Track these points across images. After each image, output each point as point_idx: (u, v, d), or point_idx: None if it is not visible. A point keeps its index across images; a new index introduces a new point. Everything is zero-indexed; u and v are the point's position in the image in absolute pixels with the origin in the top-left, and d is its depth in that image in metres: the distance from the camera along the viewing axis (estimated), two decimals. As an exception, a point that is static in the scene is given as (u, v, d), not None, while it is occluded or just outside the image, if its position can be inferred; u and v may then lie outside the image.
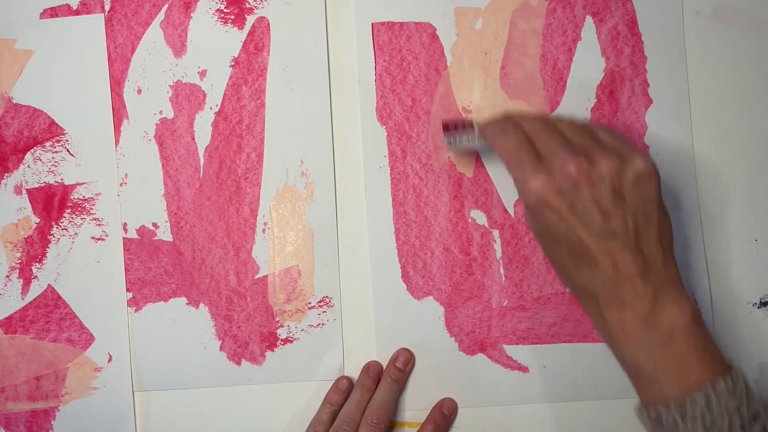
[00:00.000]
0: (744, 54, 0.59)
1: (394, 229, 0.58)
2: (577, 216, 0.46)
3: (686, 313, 0.45)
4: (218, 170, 0.59)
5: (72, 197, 0.59)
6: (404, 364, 0.58)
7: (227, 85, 0.59)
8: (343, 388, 0.57)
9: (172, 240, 0.59)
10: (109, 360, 0.58)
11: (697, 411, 0.43)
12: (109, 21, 0.59)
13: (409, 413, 0.58)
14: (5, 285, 0.59)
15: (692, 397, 0.43)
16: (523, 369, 0.58)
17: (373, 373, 0.57)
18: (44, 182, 0.59)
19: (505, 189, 0.58)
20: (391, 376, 0.57)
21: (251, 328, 0.58)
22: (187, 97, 0.59)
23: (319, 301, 0.59)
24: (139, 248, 0.59)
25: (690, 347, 0.45)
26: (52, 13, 0.59)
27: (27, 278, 0.59)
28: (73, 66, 0.59)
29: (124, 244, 0.59)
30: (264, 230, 0.59)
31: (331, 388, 0.58)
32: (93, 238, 0.59)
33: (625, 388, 0.58)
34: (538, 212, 0.47)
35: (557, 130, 0.49)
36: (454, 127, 0.55)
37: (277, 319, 0.58)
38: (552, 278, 0.58)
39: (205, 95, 0.59)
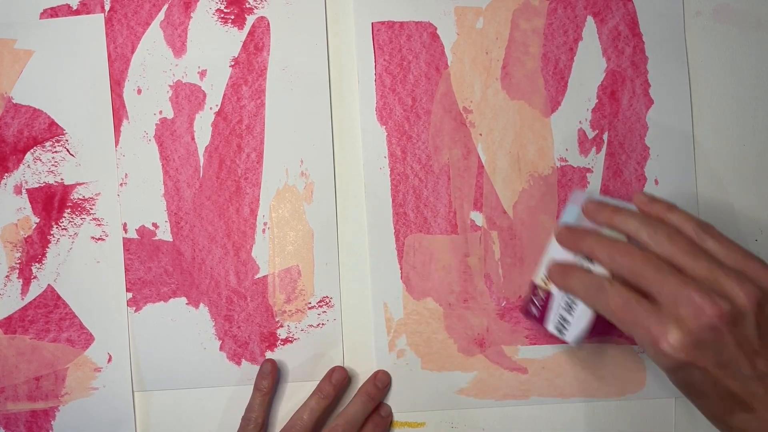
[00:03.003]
0: (744, 54, 0.59)
1: (393, 230, 0.58)
2: (724, 368, 0.41)
3: None
4: (218, 170, 0.59)
5: (72, 197, 0.59)
6: (384, 385, 0.58)
7: (227, 85, 0.59)
8: (267, 372, 0.57)
9: (172, 240, 0.59)
10: (109, 360, 0.58)
11: None
12: (109, 21, 0.59)
13: (409, 413, 0.58)
14: (5, 285, 0.59)
15: None
16: (522, 370, 0.58)
17: (336, 380, 0.57)
18: (44, 182, 0.59)
19: (505, 190, 0.58)
20: (369, 394, 0.57)
21: (251, 328, 0.58)
22: (187, 97, 0.59)
23: (319, 301, 0.59)
24: (139, 248, 0.59)
25: None
26: (52, 13, 0.59)
27: (27, 278, 0.59)
28: (73, 66, 0.59)
29: (124, 244, 0.59)
30: (264, 230, 0.59)
31: (258, 374, 0.57)
32: (93, 238, 0.59)
33: (625, 389, 0.58)
34: (680, 372, 0.42)
35: (656, 258, 0.43)
36: (543, 307, 0.51)
37: (277, 319, 0.58)
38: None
39: (205, 95, 0.59)
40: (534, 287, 0.52)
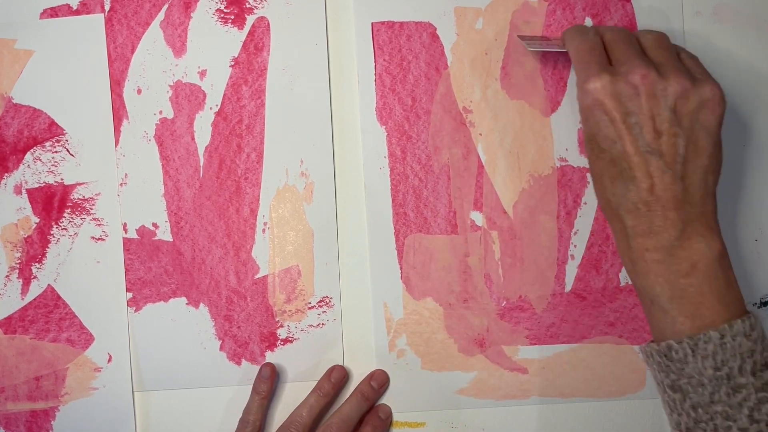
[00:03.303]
0: (744, 54, 0.59)
1: (393, 230, 0.58)
2: (629, 126, 0.45)
3: (712, 250, 0.44)
4: (218, 170, 0.59)
5: (72, 197, 0.59)
6: (379, 385, 0.58)
7: (227, 85, 0.59)
8: (266, 376, 0.57)
9: (172, 240, 0.59)
10: (109, 360, 0.58)
11: (710, 348, 0.42)
12: (109, 21, 0.59)
13: (409, 413, 0.58)
14: (5, 285, 0.59)
15: (706, 333, 0.42)
16: (522, 370, 0.58)
17: (335, 378, 0.57)
18: (44, 182, 0.59)
19: (505, 190, 0.58)
20: (364, 393, 0.57)
21: (251, 328, 0.58)
22: (187, 97, 0.59)
23: (319, 301, 0.59)
24: (139, 248, 0.59)
25: (710, 284, 0.44)
26: (52, 13, 0.59)
27: (27, 278, 0.59)
28: (73, 66, 0.59)
29: (124, 244, 0.59)
30: (264, 230, 0.59)
31: (257, 377, 0.57)
32: (93, 238, 0.59)
33: (625, 389, 0.58)
34: (592, 114, 0.46)
35: (637, 42, 0.48)
36: (530, 38, 0.56)
37: (277, 319, 0.58)
38: (550, 279, 0.58)
39: (205, 95, 0.59)
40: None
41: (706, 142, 0.45)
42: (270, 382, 0.57)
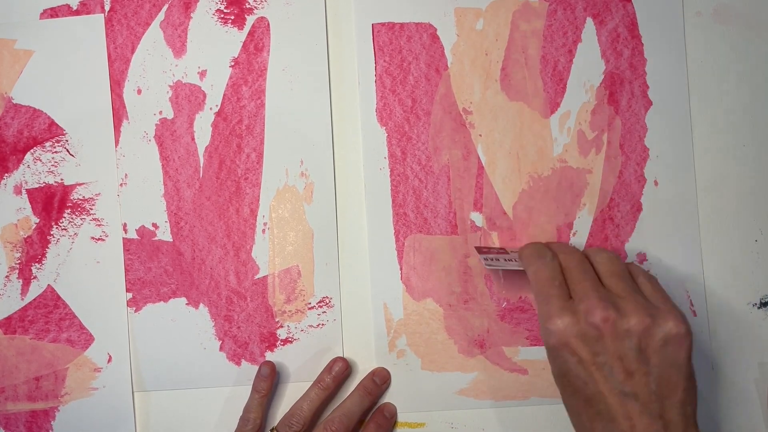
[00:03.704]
0: (744, 54, 0.59)
1: (393, 231, 0.58)
2: (598, 367, 0.45)
3: None
4: (218, 170, 0.59)
5: (72, 197, 0.59)
6: (382, 381, 0.58)
7: (227, 85, 0.59)
8: (266, 375, 0.57)
9: (171, 240, 0.59)
10: (109, 360, 0.58)
11: None
12: (109, 21, 0.59)
13: (409, 414, 0.59)
14: (5, 285, 0.59)
15: None
16: (523, 371, 0.58)
17: (336, 372, 0.57)
18: (44, 182, 0.59)
19: (505, 191, 0.58)
20: (366, 389, 0.57)
21: (251, 328, 0.58)
22: (187, 97, 0.59)
23: (319, 302, 0.59)
24: (139, 248, 0.59)
25: None
26: (52, 13, 0.59)
27: (26, 278, 0.59)
28: (73, 66, 0.59)
29: (124, 244, 0.59)
30: (264, 230, 0.59)
31: (256, 375, 0.57)
32: (93, 238, 0.59)
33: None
34: (559, 354, 0.46)
35: (592, 271, 0.48)
36: (487, 251, 0.56)
37: (277, 320, 0.58)
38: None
39: (204, 95, 0.59)
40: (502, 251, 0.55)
41: (678, 377, 0.45)
42: (270, 380, 0.57)
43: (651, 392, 0.44)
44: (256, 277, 0.59)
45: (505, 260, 0.55)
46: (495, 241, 0.58)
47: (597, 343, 0.45)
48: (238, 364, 0.58)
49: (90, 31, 0.59)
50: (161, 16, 0.59)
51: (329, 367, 0.57)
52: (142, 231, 0.59)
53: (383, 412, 0.58)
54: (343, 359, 0.58)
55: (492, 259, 0.55)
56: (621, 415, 0.44)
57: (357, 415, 0.56)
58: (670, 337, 0.45)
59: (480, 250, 0.56)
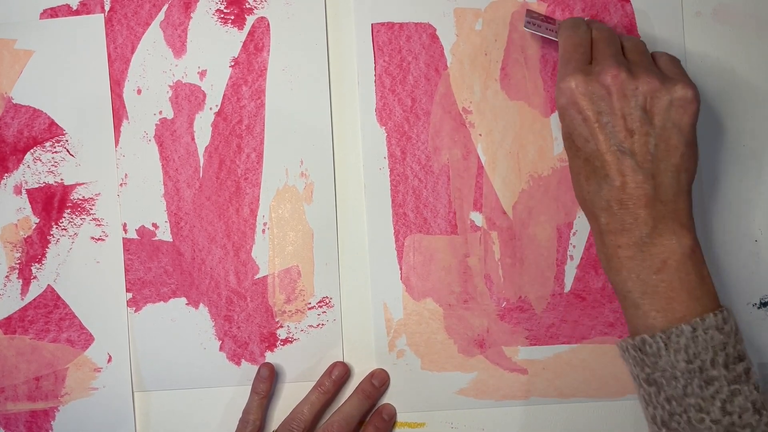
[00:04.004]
0: (744, 54, 0.59)
1: (393, 230, 0.58)
2: (601, 125, 0.46)
3: (683, 246, 0.45)
4: (218, 170, 0.59)
5: (72, 197, 0.59)
6: (380, 383, 0.58)
7: (227, 85, 0.59)
8: (265, 376, 0.57)
9: (171, 240, 0.59)
10: (109, 360, 0.58)
11: (682, 341, 0.43)
12: (109, 21, 0.59)
13: (409, 414, 0.59)
14: (5, 285, 0.59)
15: (678, 327, 0.43)
16: (522, 371, 0.58)
17: (336, 376, 0.57)
18: (44, 182, 0.59)
19: (505, 190, 0.58)
20: (365, 392, 0.57)
21: (251, 328, 0.58)
22: (187, 97, 0.59)
23: (319, 302, 0.59)
24: (139, 248, 0.59)
25: (682, 280, 0.45)
26: (52, 13, 0.59)
27: (26, 278, 0.59)
28: (73, 66, 0.59)
29: (124, 244, 0.59)
30: (264, 230, 0.59)
31: (255, 377, 0.57)
32: (93, 238, 0.59)
33: (625, 389, 0.59)
34: (567, 113, 0.47)
35: (620, 45, 0.49)
36: (536, 15, 0.56)
37: (276, 320, 0.58)
38: (550, 279, 0.58)
39: (204, 95, 0.59)
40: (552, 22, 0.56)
41: (677, 140, 0.46)
42: (269, 381, 0.57)
43: (648, 152, 0.45)
44: (256, 277, 0.59)
45: (547, 28, 0.55)
46: (495, 240, 0.58)
47: (603, 102, 0.46)
48: (238, 364, 0.58)
49: (90, 31, 0.59)
50: (161, 16, 0.59)
51: (329, 371, 0.57)
52: (142, 231, 0.59)
53: (382, 415, 0.58)
54: (343, 363, 0.58)
55: (534, 24, 0.55)
56: (615, 170, 0.46)
57: (356, 419, 0.56)
58: (675, 100, 0.46)
59: (529, 12, 0.56)
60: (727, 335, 0.44)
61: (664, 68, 0.49)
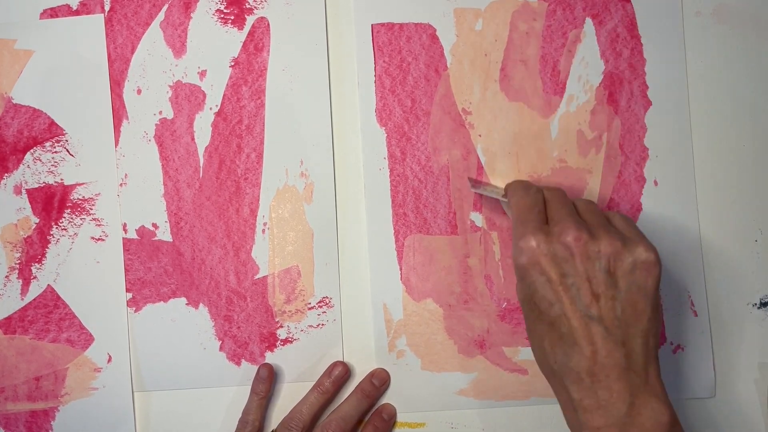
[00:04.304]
0: (744, 54, 0.59)
1: (393, 231, 0.58)
2: (566, 287, 0.44)
3: (662, 424, 0.43)
4: (218, 170, 0.59)
5: (72, 197, 0.59)
6: (380, 382, 0.58)
7: (227, 85, 0.59)
8: (264, 377, 0.57)
9: (171, 240, 0.59)
10: (109, 360, 0.58)
11: None
12: (109, 21, 0.59)
13: (409, 414, 0.59)
14: (4, 285, 0.59)
15: None
16: (523, 371, 0.58)
17: (336, 376, 0.57)
18: (44, 182, 0.59)
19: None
20: (364, 391, 0.57)
21: (251, 328, 0.59)
22: (187, 97, 0.59)
23: (319, 302, 0.59)
24: (139, 248, 0.59)
25: None
26: (52, 13, 0.59)
27: (26, 278, 0.59)
28: (73, 66, 0.59)
29: (124, 244, 0.59)
30: (264, 230, 0.59)
31: (255, 378, 0.57)
32: (93, 238, 0.59)
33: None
34: (528, 273, 0.45)
35: (572, 204, 0.49)
36: (478, 182, 0.56)
37: (276, 320, 0.58)
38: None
39: (204, 95, 0.59)
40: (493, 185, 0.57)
41: (644, 304, 0.45)
42: (268, 382, 0.57)
43: (616, 317, 0.44)
44: (256, 277, 0.59)
45: (493, 191, 0.55)
46: (495, 241, 0.58)
47: (566, 264, 0.45)
48: (238, 364, 0.58)
49: (90, 31, 0.59)
50: (161, 16, 0.59)
51: (329, 371, 0.57)
52: (142, 231, 0.59)
53: (381, 414, 0.58)
54: (342, 363, 0.58)
55: (480, 187, 0.55)
56: (584, 339, 0.43)
57: (354, 419, 0.56)
58: (639, 263, 0.45)
59: (471, 180, 0.56)
60: None
61: (621, 229, 0.47)
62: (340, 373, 0.57)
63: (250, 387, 0.58)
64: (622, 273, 0.45)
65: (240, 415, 0.57)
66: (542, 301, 0.45)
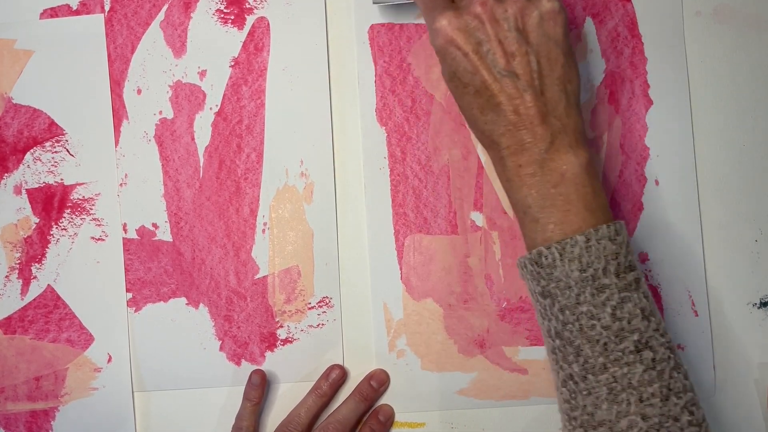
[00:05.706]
0: (744, 54, 0.59)
1: (393, 230, 0.58)
2: (482, 56, 0.46)
3: (580, 160, 0.46)
4: (218, 170, 0.59)
5: (72, 197, 0.59)
6: (379, 384, 0.58)
7: (227, 85, 0.59)
8: (257, 383, 0.57)
9: (171, 240, 0.59)
10: (109, 360, 0.58)
11: (576, 251, 0.44)
12: (109, 21, 0.59)
13: (409, 414, 0.58)
14: (5, 285, 0.59)
15: (573, 237, 0.44)
16: (523, 371, 0.58)
17: (333, 379, 0.57)
18: (44, 182, 0.59)
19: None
20: (363, 393, 0.57)
21: (251, 328, 0.58)
22: (187, 97, 0.59)
23: (319, 302, 0.59)
24: (139, 248, 0.59)
25: (578, 193, 0.46)
26: (52, 13, 0.59)
27: (26, 278, 0.59)
28: (73, 66, 0.59)
29: (124, 244, 0.59)
30: (264, 230, 0.59)
31: (247, 384, 0.57)
32: (93, 238, 0.59)
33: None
34: (446, 53, 0.47)
35: None
36: None
37: (276, 320, 0.58)
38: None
39: (204, 95, 0.59)
40: None
41: (556, 53, 0.47)
42: (261, 388, 0.57)
43: (532, 71, 0.46)
44: (256, 277, 0.59)
45: None
46: (496, 240, 0.58)
47: (479, 32, 0.46)
48: (238, 364, 0.58)
49: (90, 31, 0.59)
50: (161, 16, 0.59)
51: (326, 374, 0.57)
52: (142, 231, 0.59)
53: (378, 416, 0.57)
54: (340, 366, 0.58)
55: None
56: (505, 98, 0.46)
57: (352, 421, 0.56)
58: (544, 14, 0.47)
59: None
60: (619, 245, 0.45)
61: None
62: (338, 376, 0.57)
63: (250, 387, 0.58)
64: (531, 27, 0.47)
65: (234, 421, 0.57)
66: (464, 75, 0.47)
